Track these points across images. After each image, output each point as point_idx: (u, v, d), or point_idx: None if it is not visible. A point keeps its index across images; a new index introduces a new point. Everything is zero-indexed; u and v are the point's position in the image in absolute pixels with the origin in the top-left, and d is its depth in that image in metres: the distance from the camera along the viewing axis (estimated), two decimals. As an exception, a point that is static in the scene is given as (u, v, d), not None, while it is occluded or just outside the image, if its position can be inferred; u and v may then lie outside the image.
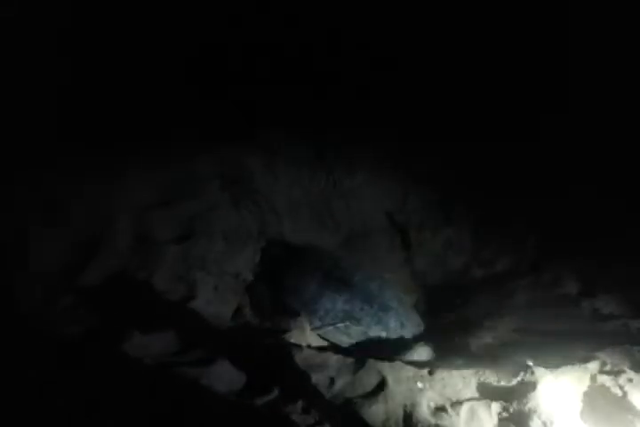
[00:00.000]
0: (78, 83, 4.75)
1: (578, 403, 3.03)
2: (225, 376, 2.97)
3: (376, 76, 5.46)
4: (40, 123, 4.42)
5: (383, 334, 3.89)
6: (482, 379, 3.22)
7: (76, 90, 4.68)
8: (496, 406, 3.01)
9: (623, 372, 3.14)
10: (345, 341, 3.90)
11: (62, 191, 3.88)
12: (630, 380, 3.10)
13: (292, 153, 5.01)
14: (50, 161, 4.06)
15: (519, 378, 3.18)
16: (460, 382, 3.17)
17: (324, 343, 3.91)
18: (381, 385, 3.06)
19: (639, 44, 4.72)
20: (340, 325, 3.89)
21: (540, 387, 3.06)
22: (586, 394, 3.07)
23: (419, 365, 3.29)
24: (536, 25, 5.23)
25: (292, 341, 3.58)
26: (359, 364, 3.22)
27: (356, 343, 3.89)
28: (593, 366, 3.22)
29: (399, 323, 3.94)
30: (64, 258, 3.58)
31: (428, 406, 2.97)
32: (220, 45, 5.47)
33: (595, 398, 3.05)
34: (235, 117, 5.02)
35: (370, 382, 3.10)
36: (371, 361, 3.23)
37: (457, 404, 3.01)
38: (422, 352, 3.68)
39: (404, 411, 2.92)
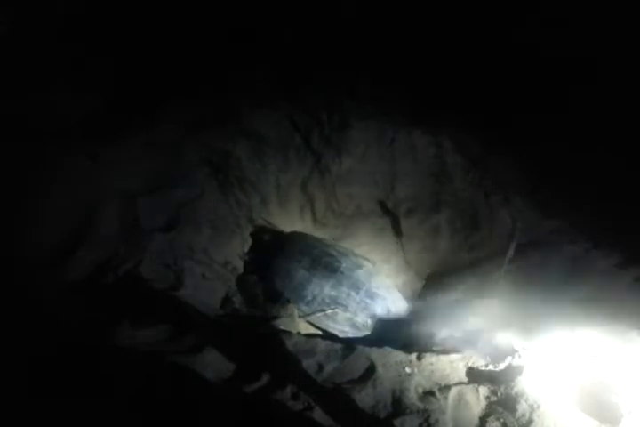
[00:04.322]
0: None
1: (565, 386, 3.06)
2: (214, 364, 2.95)
3: (365, 61, 5.43)
4: (25, 105, 4.36)
5: (369, 321, 3.91)
6: (470, 363, 3.24)
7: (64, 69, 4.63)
8: (484, 391, 3.03)
9: (609, 354, 3.19)
10: (332, 327, 3.92)
11: (46, 178, 3.82)
12: (616, 362, 3.14)
13: (279, 140, 4.97)
14: (34, 147, 4.00)
15: (507, 362, 3.21)
16: (448, 366, 3.19)
17: (313, 330, 3.93)
18: (370, 371, 3.07)
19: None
20: (328, 311, 3.91)
21: (527, 371, 3.09)
22: (572, 377, 3.10)
23: (407, 350, 3.29)
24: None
25: (282, 327, 3.58)
26: (348, 350, 3.22)
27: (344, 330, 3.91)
28: (580, 348, 3.26)
29: (385, 309, 3.96)
30: (48, 246, 3.53)
31: (416, 390, 2.99)
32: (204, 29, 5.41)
33: (581, 381, 3.08)
34: (221, 104, 4.97)
35: (358, 367, 3.11)
36: (359, 347, 3.24)
37: (445, 388, 3.03)
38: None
39: (393, 396, 2.93)
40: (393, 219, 4.99)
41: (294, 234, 4.59)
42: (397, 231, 4.95)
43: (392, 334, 3.92)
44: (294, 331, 3.65)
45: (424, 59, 5.46)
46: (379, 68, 5.36)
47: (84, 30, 4.98)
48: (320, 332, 4.00)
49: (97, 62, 4.84)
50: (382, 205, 5.05)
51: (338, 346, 3.28)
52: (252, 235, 4.56)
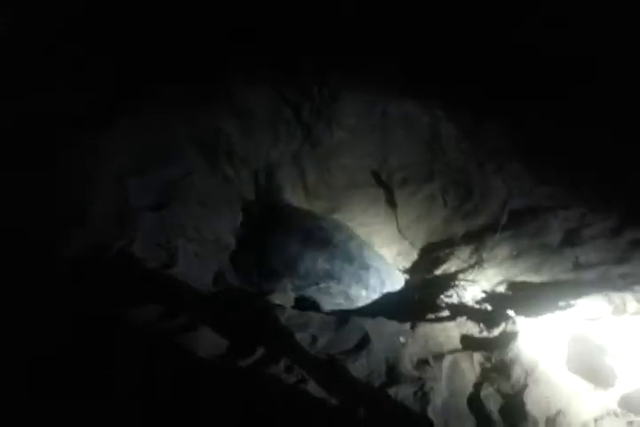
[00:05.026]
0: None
1: (559, 350, 3.07)
2: (207, 341, 2.95)
3: (355, 33, 5.35)
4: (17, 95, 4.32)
5: (364, 293, 3.91)
6: (464, 331, 3.25)
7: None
8: (478, 357, 3.05)
9: (602, 318, 3.19)
10: (327, 300, 3.93)
11: (34, 161, 3.78)
12: (609, 326, 3.15)
13: (268, 114, 4.90)
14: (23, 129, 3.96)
15: (501, 329, 3.22)
16: (442, 335, 3.20)
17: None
18: (364, 341, 3.07)
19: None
20: (322, 284, 3.90)
21: (521, 336, 3.09)
22: (566, 341, 3.11)
23: (401, 320, 3.30)
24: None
25: (276, 302, 3.58)
26: (342, 321, 3.23)
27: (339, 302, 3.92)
28: (573, 313, 3.26)
29: (379, 280, 3.95)
30: (38, 229, 3.51)
31: (411, 359, 3.00)
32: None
33: (575, 345, 3.09)
34: (209, 80, 4.90)
35: (352, 338, 3.11)
36: (353, 318, 3.25)
37: (439, 356, 3.04)
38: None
39: (387, 365, 2.95)
40: (386, 189, 4.95)
41: (286, 208, 4.56)
42: (391, 201, 4.91)
43: (388, 305, 3.94)
44: (289, 305, 3.66)
45: (415, 31, 5.37)
46: (369, 40, 5.26)
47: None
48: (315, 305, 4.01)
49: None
50: (375, 175, 5.01)
51: (332, 318, 3.28)
52: (243, 211, 4.52)
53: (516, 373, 2.92)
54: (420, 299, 3.75)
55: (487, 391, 2.86)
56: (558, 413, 2.75)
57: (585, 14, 5.04)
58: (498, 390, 2.86)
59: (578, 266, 3.84)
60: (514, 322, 3.23)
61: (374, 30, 5.39)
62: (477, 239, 4.29)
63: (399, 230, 4.67)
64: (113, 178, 3.99)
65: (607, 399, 2.84)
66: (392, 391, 2.79)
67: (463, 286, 3.79)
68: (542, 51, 5.12)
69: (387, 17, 5.47)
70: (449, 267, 4.18)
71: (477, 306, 3.56)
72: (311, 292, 3.93)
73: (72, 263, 3.42)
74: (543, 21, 5.28)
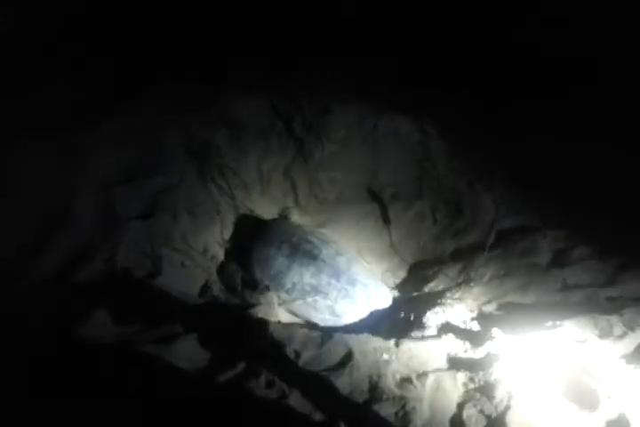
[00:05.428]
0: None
1: (543, 372, 3.04)
2: (189, 353, 2.91)
3: (347, 46, 5.36)
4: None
5: (350, 308, 3.88)
6: (448, 350, 3.22)
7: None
8: (462, 377, 3.02)
9: (588, 340, 3.17)
10: (313, 315, 3.89)
11: (17, 167, 3.73)
12: (595, 348, 3.13)
13: (260, 126, 4.89)
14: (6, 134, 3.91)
15: (486, 349, 3.19)
16: (427, 353, 3.17)
17: (293, 318, 3.90)
18: (347, 357, 3.05)
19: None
20: (308, 299, 3.87)
21: (505, 357, 3.07)
22: (551, 363, 3.09)
23: (385, 337, 3.27)
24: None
25: (260, 315, 3.54)
26: (326, 337, 3.20)
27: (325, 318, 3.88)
28: (559, 335, 3.24)
29: (366, 296, 3.92)
30: (19, 238, 3.46)
31: (394, 377, 2.97)
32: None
33: (560, 367, 3.06)
34: (201, 91, 4.89)
35: (336, 354, 3.09)
36: (337, 334, 3.22)
37: (423, 375, 3.01)
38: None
39: (370, 383, 2.92)
40: (377, 204, 4.93)
41: (274, 221, 4.54)
42: (384, 217, 4.89)
43: (374, 322, 3.91)
44: (274, 319, 3.62)
45: (407, 47, 5.40)
46: (361, 53, 5.28)
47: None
48: (300, 320, 3.97)
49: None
50: (366, 190, 5.00)
51: (316, 334, 3.25)
52: (232, 222, 4.50)
53: (500, 394, 2.89)
54: (406, 316, 3.71)
55: (470, 412, 2.82)
56: (541, 435, 2.72)
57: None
58: (481, 411, 2.83)
59: (565, 287, 3.82)
60: (498, 343, 3.21)
61: (366, 39, 5.40)
62: (466, 258, 4.27)
63: (391, 246, 4.64)
64: (99, 185, 3.95)
65: (592, 423, 2.81)
66: (374, 409, 2.75)
67: (450, 304, 3.76)
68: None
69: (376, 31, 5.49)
70: (437, 285, 4.16)
71: (463, 325, 3.54)
72: (297, 306, 3.89)
73: (50, 275, 3.37)
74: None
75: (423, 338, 3.34)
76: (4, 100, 4.16)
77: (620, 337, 3.25)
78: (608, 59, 5.01)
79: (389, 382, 2.92)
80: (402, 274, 4.55)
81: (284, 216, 4.71)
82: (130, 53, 4.84)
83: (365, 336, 3.24)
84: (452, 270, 4.24)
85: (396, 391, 2.86)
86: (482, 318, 3.67)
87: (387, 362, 3.06)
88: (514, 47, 5.25)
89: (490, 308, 3.82)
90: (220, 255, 4.28)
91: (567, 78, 5.06)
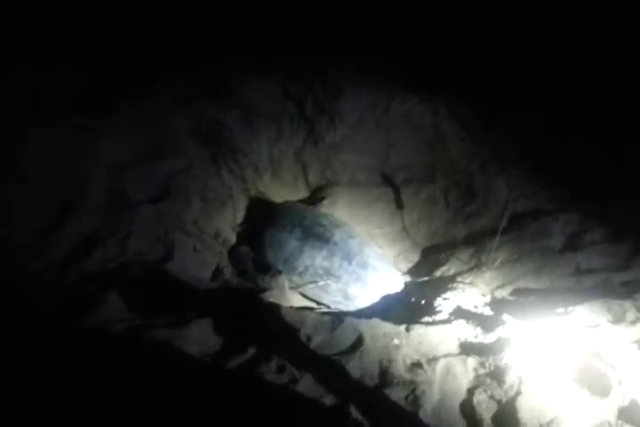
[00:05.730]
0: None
1: (554, 357, 3.03)
2: (200, 338, 2.93)
3: (359, 29, 5.30)
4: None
5: (362, 292, 3.88)
6: (459, 335, 3.22)
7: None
8: (472, 362, 3.01)
9: (600, 326, 3.15)
10: (325, 298, 3.91)
11: (33, 151, 3.75)
12: (607, 334, 3.11)
13: (272, 109, 4.86)
14: (21, 120, 3.92)
15: (497, 334, 3.18)
16: (437, 338, 3.17)
17: (305, 302, 3.91)
18: (358, 342, 3.04)
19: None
20: (320, 282, 3.88)
21: (516, 342, 3.06)
22: (562, 348, 3.07)
23: (396, 322, 3.27)
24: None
25: (272, 300, 3.56)
26: (337, 322, 3.20)
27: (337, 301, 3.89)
28: (570, 320, 3.22)
29: (378, 280, 3.92)
30: (35, 219, 3.49)
31: (404, 362, 2.97)
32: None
33: (571, 351, 3.05)
34: (212, 74, 4.87)
35: (347, 339, 3.08)
36: (348, 319, 3.21)
37: (433, 360, 3.01)
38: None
39: (380, 367, 2.92)
40: (389, 188, 4.91)
41: (286, 204, 4.53)
42: (397, 201, 4.87)
43: (385, 306, 3.91)
44: (285, 303, 3.64)
45: (419, 28, 5.32)
46: (373, 36, 5.20)
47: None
48: (312, 304, 3.99)
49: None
50: (378, 173, 4.97)
51: (327, 318, 3.26)
52: (244, 206, 4.50)
53: (510, 379, 2.88)
54: (417, 301, 3.71)
55: (480, 397, 2.82)
56: (552, 421, 2.72)
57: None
58: (491, 397, 2.83)
59: (578, 272, 3.79)
60: (510, 327, 3.20)
61: (375, 28, 5.33)
62: (478, 241, 4.25)
63: (404, 230, 4.63)
64: (111, 169, 3.96)
65: (603, 409, 2.80)
66: (384, 393, 2.76)
67: (462, 289, 3.75)
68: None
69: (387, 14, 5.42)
70: (448, 269, 4.14)
71: (474, 310, 3.53)
72: (309, 289, 3.91)
73: (62, 259, 3.40)
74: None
75: (434, 323, 3.33)
76: (20, 85, 4.17)
77: (633, 322, 3.22)
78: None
79: (400, 366, 2.92)
80: (414, 258, 4.55)
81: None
82: (144, 40, 4.81)
83: (376, 321, 3.23)
84: (464, 254, 4.22)
85: (407, 376, 2.86)
86: (493, 303, 3.65)
87: (397, 347, 3.06)
88: (531, 26, 5.15)
89: (502, 293, 3.80)
90: (232, 239, 4.30)
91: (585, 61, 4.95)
